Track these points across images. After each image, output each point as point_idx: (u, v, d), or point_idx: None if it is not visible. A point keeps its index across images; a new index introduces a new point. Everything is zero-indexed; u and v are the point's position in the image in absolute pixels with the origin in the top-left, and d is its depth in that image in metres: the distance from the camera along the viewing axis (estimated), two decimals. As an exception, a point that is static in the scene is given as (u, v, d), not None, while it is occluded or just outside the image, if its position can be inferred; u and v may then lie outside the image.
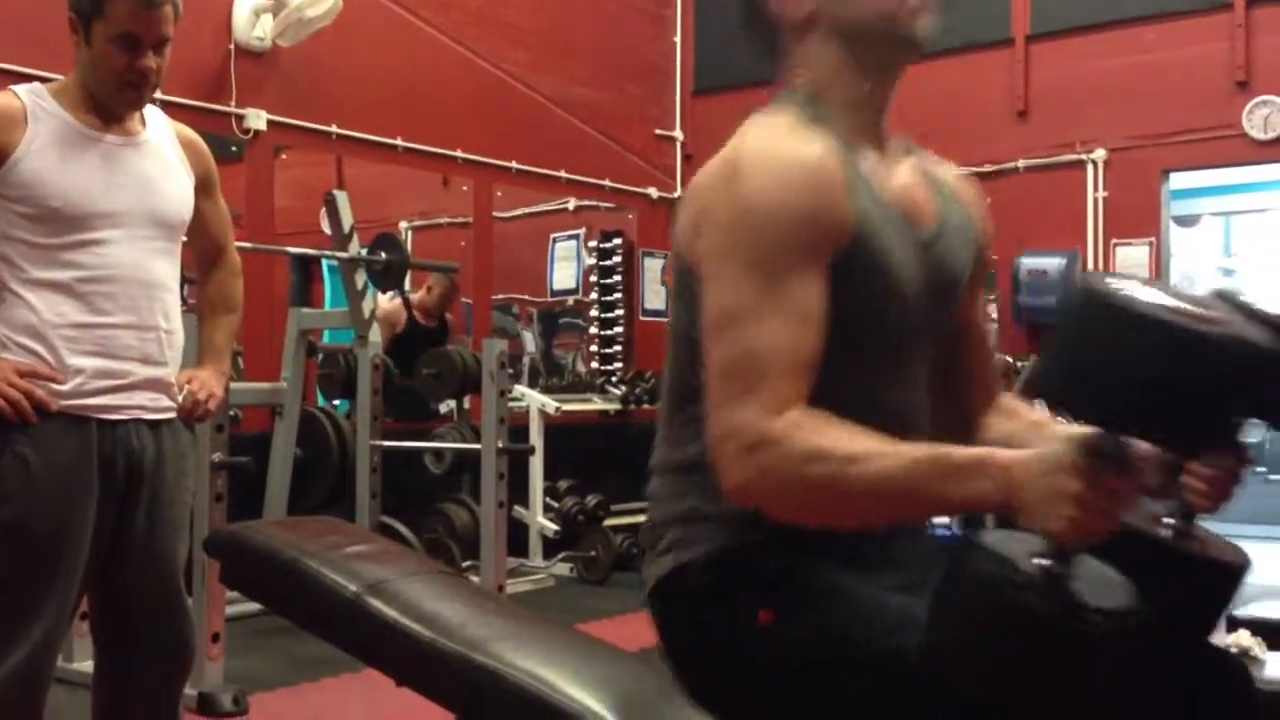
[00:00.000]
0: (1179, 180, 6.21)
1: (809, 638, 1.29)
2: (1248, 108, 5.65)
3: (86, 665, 3.30)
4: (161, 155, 2.12)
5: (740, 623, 1.33)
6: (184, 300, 2.26)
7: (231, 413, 3.23)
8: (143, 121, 2.11)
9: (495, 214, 6.43)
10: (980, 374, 1.66)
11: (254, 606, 3.55)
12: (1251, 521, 8.06)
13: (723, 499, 1.31)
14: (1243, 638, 2.13)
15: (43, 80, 2.14)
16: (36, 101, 2.00)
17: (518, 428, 5.19)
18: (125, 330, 2.04)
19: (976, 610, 1.15)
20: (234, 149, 5.04)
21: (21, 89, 2.03)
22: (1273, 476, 10.66)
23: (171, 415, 2.14)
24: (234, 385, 2.43)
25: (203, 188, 2.21)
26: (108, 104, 2.03)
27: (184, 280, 2.29)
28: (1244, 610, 2.44)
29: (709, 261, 1.39)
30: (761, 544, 1.35)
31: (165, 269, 2.12)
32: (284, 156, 5.57)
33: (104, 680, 2.17)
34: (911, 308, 1.41)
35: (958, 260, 1.52)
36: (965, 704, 1.18)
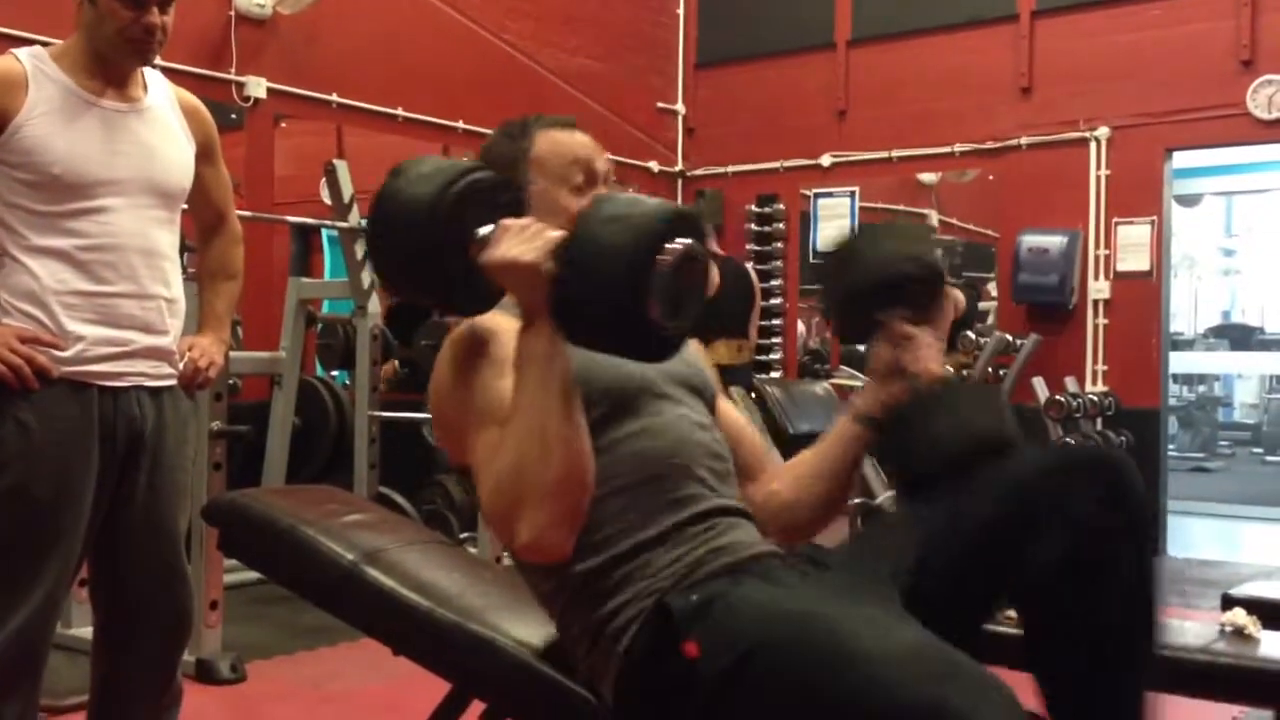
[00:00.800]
0: (1181, 159, 6.19)
1: (727, 644, 1.31)
2: (1252, 87, 5.62)
3: (85, 631, 3.32)
4: (163, 122, 2.11)
5: (681, 668, 1.34)
6: (184, 269, 2.25)
7: (230, 381, 3.23)
8: (144, 86, 2.09)
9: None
10: None
11: (252, 575, 3.56)
12: (1247, 502, 8.10)
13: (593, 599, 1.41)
14: (1238, 616, 2.13)
15: (42, 44, 2.12)
16: (38, 66, 1.98)
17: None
18: (126, 299, 2.03)
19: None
20: (234, 117, 5.02)
21: (23, 53, 2.01)
22: (1270, 457, 10.70)
23: (172, 383, 2.14)
24: (233, 354, 2.42)
25: (204, 154, 2.20)
26: (113, 61, 2.01)
27: (184, 248, 2.28)
28: (1240, 589, 2.45)
29: None
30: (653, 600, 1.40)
31: (166, 237, 2.11)
32: (284, 125, 5.54)
33: (103, 647, 2.18)
34: None
35: None
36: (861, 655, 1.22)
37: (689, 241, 1.32)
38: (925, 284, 1.58)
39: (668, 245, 1.30)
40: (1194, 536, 6.55)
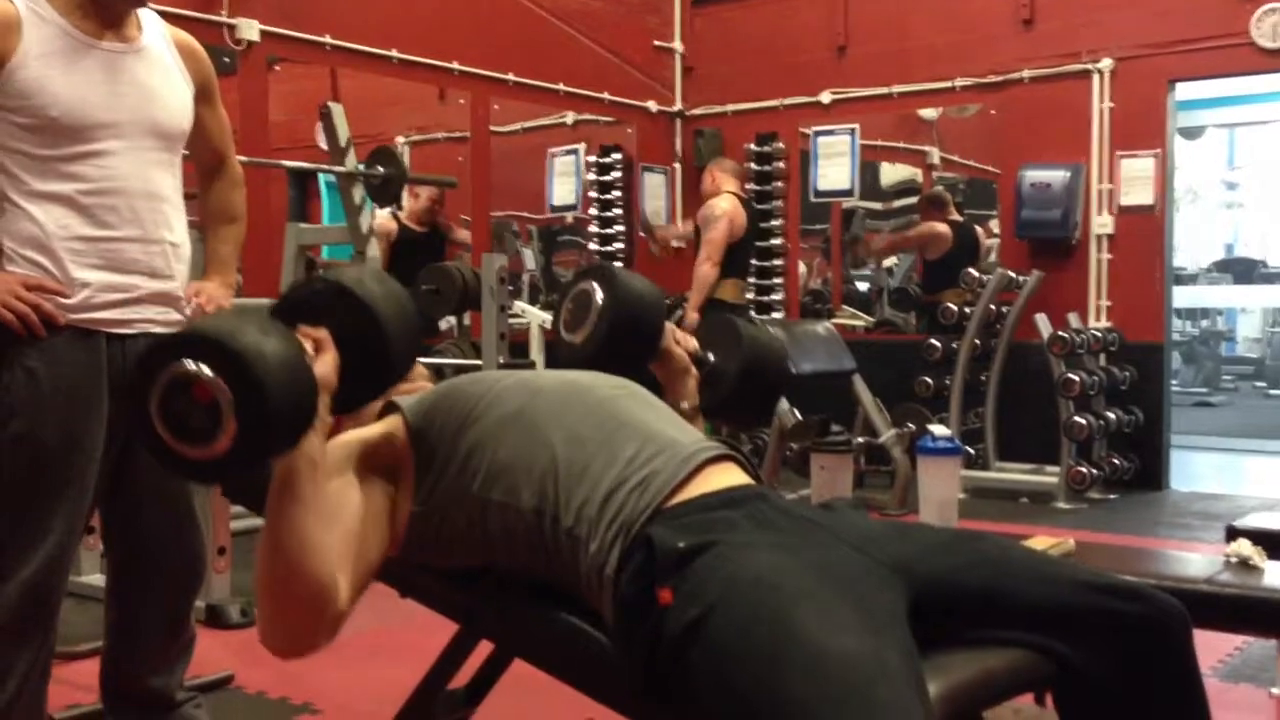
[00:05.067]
0: (1184, 91, 6.13)
1: (697, 598, 1.31)
2: (1256, 15, 5.55)
3: (97, 579, 3.35)
4: (161, 63, 2.08)
5: (654, 613, 1.35)
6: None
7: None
8: (139, 26, 2.06)
9: (493, 128, 6.36)
10: None
11: (259, 520, 3.58)
12: (1249, 435, 8.12)
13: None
14: (1243, 546, 2.14)
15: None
16: (31, 7, 1.94)
17: (518, 344, 5.18)
18: (131, 243, 2.01)
19: None
20: (226, 60, 4.96)
21: (15, -6, 1.97)
22: (1273, 391, 10.72)
23: (180, 329, 2.13)
24: (235, 301, 2.41)
25: (202, 95, 2.17)
26: (108, 3, 1.98)
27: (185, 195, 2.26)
28: (1244, 521, 2.47)
29: None
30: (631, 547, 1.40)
31: (168, 180, 2.08)
32: (278, 69, 5.48)
33: (116, 595, 2.19)
34: None
35: None
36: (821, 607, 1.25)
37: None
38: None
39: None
40: (1197, 470, 6.59)
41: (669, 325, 1.91)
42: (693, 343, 1.92)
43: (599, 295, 1.81)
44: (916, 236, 6.88)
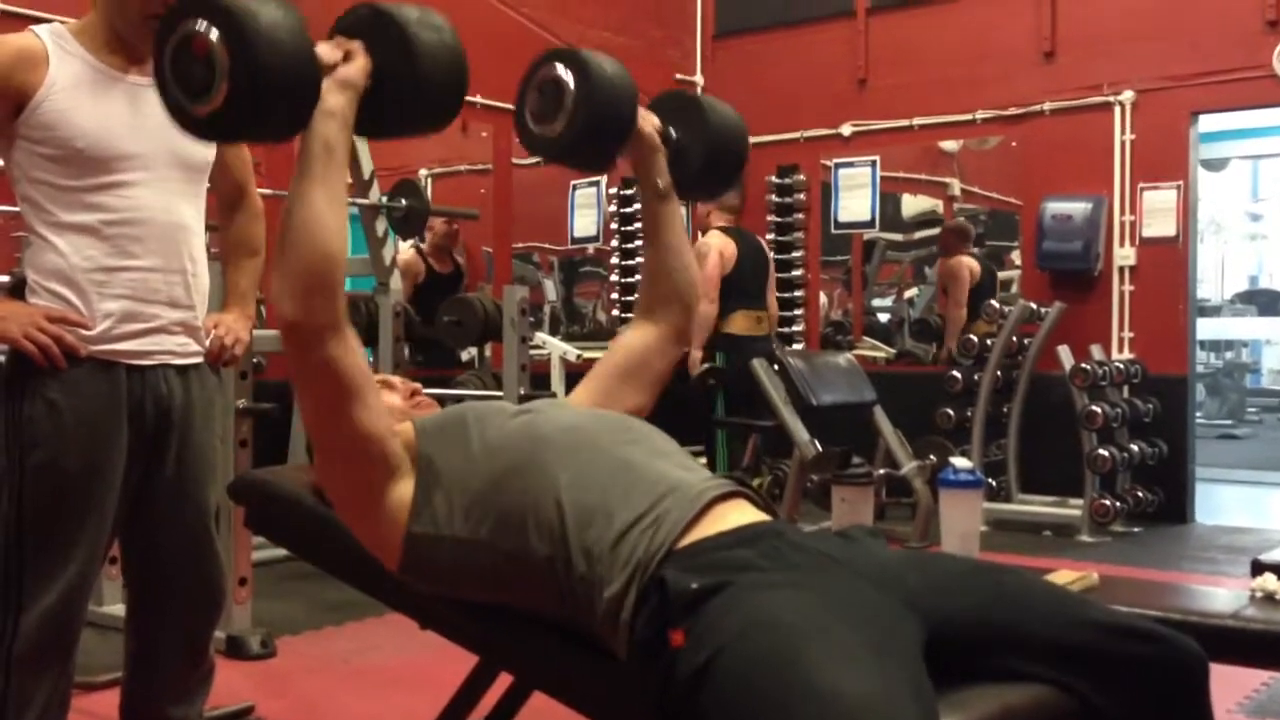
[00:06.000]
0: (1207, 123, 6.11)
1: (709, 640, 1.31)
2: (1279, 48, 5.54)
3: (117, 609, 3.36)
4: (184, 97, 2.11)
5: (667, 656, 1.34)
6: (206, 249, 2.25)
7: (255, 359, 3.24)
8: (163, 62, 2.10)
9: (514, 161, 6.40)
10: None
11: (280, 551, 3.59)
12: (1276, 469, 8.04)
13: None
14: (1269, 581, 2.12)
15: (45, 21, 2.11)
16: (58, 42, 1.98)
17: (539, 375, 5.19)
18: (153, 273, 2.04)
19: None
20: (253, 96, 5.01)
21: (42, 29, 2.01)
22: (1296, 423, 10.62)
23: (199, 360, 2.15)
24: (257, 332, 2.43)
25: (227, 127, 2.20)
26: (132, 39, 2.01)
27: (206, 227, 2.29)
28: (1270, 555, 2.43)
29: None
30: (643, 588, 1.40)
31: (190, 211, 2.11)
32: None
33: (136, 624, 2.20)
34: None
35: None
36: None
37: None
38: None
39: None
40: (1222, 503, 6.52)
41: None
42: (655, 120, 1.84)
43: (571, 82, 1.71)
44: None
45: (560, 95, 1.71)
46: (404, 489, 1.58)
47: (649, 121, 1.82)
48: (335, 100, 1.49)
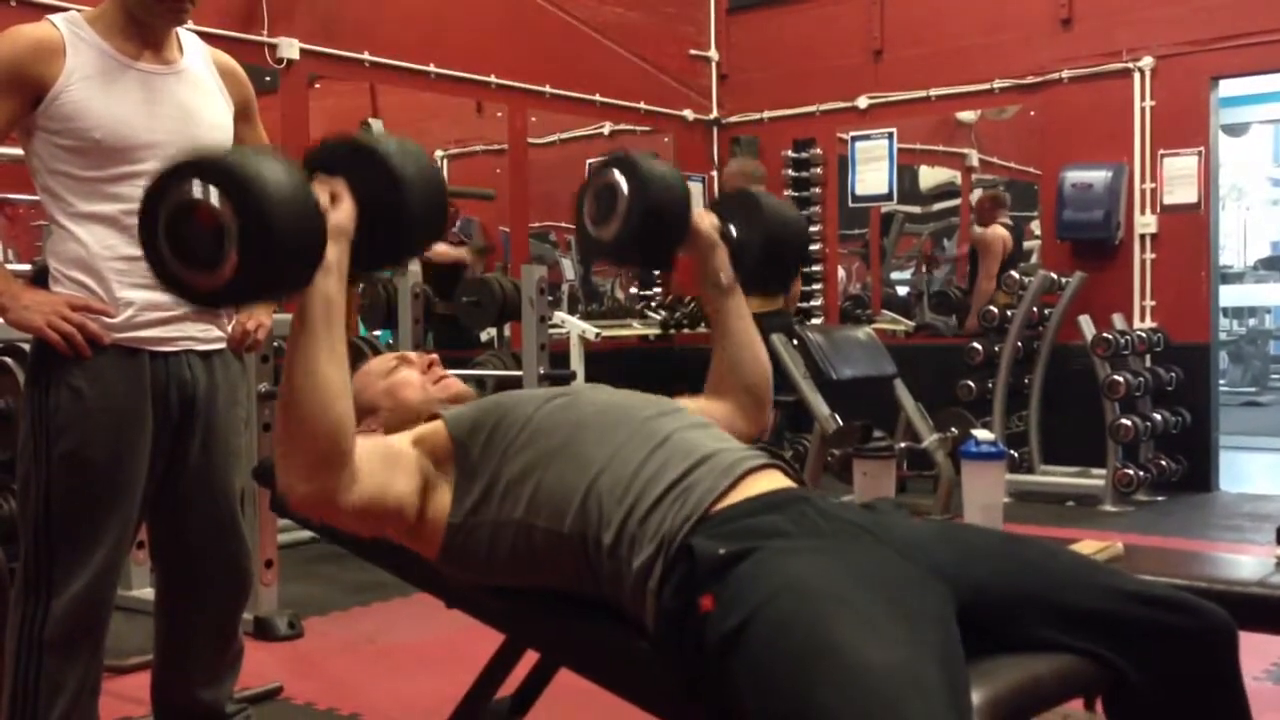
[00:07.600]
0: (1227, 88, 6.05)
1: (739, 605, 1.31)
2: (1300, 10, 5.48)
3: (145, 593, 3.39)
4: (201, 84, 2.11)
5: (697, 621, 1.35)
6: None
7: (276, 343, 3.26)
8: (180, 49, 2.10)
9: (530, 140, 6.39)
10: None
11: (305, 534, 3.61)
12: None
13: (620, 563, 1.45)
14: (1293, 551, 2.11)
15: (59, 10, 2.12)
16: (74, 31, 1.99)
17: (558, 354, 5.20)
18: (173, 261, 2.04)
19: None
20: (267, 79, 5.03)
21: (58, 19, 2.01)
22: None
23: (222, 346, 2.16)
24: (278, 316, 2.44)
25: (242, 115, 2.20)
26: (148, 22, 2.01)
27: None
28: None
29: None
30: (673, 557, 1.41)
31: (208, 198, 2.12)
32: (318, 86, 5.54)
33: (165, 608, 2.22)
34: None
35: None
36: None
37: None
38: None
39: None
40: (1247, 471, 6.48)
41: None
42: (714, 219, 1.86)
43: (624, 185, 1.75)
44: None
45: (614, 199, 1.76)
46: (442, 496, 1.58)
47: (707, 220, 1.84)
48: (331, 253, 1.38)
